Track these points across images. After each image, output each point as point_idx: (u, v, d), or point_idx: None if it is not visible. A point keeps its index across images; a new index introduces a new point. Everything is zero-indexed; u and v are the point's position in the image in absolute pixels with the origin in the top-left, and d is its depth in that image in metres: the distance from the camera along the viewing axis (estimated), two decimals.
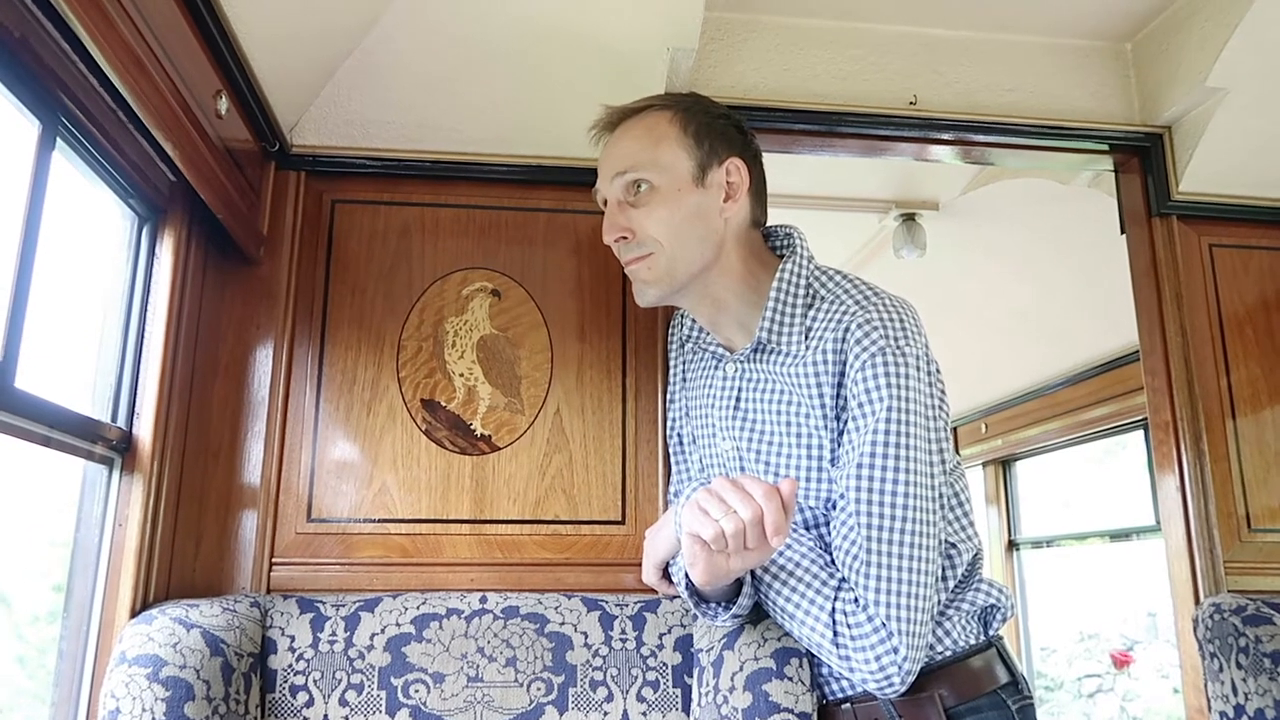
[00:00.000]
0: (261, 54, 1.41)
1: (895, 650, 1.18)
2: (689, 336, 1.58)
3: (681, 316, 1.63)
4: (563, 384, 1.69)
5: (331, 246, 1.71)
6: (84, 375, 1.34)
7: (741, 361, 1.42)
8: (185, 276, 1.48)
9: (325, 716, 1.36)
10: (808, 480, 1.33)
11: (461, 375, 1.67)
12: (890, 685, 1.20)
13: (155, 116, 1.17)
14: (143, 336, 1.40)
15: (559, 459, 1.66)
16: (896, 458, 1.23)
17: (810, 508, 1.34)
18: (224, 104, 1.35)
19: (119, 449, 1.33)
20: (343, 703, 1.37)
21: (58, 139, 1.13)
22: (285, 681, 1.37)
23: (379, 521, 1.59)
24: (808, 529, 1.35)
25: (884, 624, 1.19)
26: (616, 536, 1.65)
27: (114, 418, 1.34)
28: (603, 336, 1.73)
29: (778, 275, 1.37)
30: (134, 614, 1.30)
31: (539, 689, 1.42)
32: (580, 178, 1.71)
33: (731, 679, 1.32)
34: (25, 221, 1.06)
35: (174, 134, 1.22)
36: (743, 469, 1.43)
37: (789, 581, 1.28)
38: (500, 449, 1.65)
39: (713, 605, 1.35)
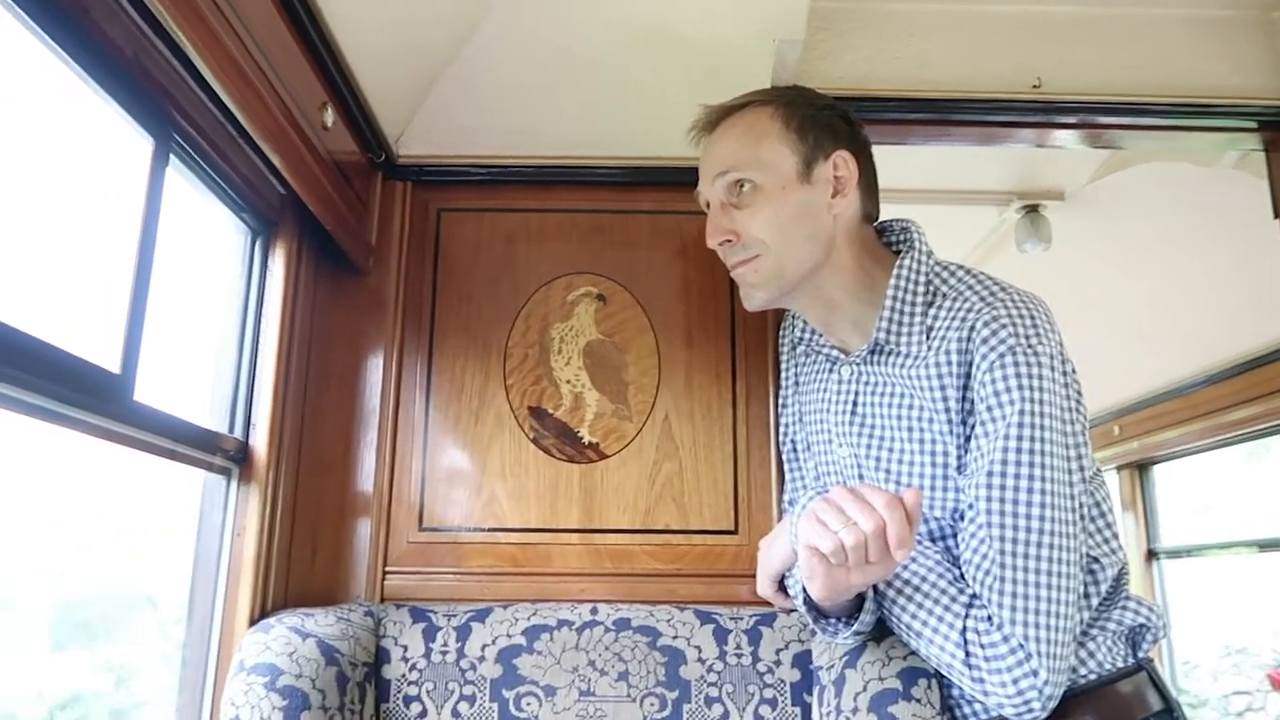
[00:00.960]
0: (365, 66, 1.42)
1: (1035, 674, 1.09)
2: (800, 339, 1.52)
3: (793, 318, 1.57)
4: (671, 390, 1.65)
5: (438, 255, 1.71)
6: (202, 387, 1.37)
7: (858, 364, 1.35)
8: (297, 288, 1.50)
9: None
10: (932, 489, 1.26)
11: (568, 382, 1.65)
12: (1030, 711, 1.11)
13: (263, 130, 1.18)
14: (257, 348, 1.42)
15: (669, 467, 1.62)
16: (1031, 465, 1.14)
17: (936, 518, 1.26)
18: (330, 116, 1.36)
19: (236, 459, 1.35)
20: (455, 714, 1.35)
21: (171, 155, 1.15)
22: (399, 692, 1.36)
23: (489, 530, 1.58)
24: (934, 541, 1.27)
25: (1021, 644, 1.10)
26: (729, 547, 1.59)
27: (231, 429, 1.36)
28: (711, 340, 1.68)
29: (895, 272, 1.30)
30: (253, 622, 1.32)
31: (652, 705, 1.38)
32: (684, 178, 1.66)
33: (854, 699, 1.25)
34: (141, 237, 1.08)
35: (282, 147, 1.24)
36: (861, 477, 1.36)
37: (914, 597, 1.21)
38: (608, 456, 1.62)
39: (833, 621, 1.28)
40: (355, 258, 1.59)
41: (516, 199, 1.74)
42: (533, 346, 1.66)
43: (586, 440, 1.63)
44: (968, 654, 1.14)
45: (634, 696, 1.38)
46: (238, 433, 1.36)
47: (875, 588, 1.23)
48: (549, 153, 1.73)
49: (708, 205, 1.37)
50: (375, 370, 1.62)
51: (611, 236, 1.73)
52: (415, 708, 1.36)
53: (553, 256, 1.71)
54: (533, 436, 1.62)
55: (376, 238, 1.66)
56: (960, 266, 1.32)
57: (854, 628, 1.24)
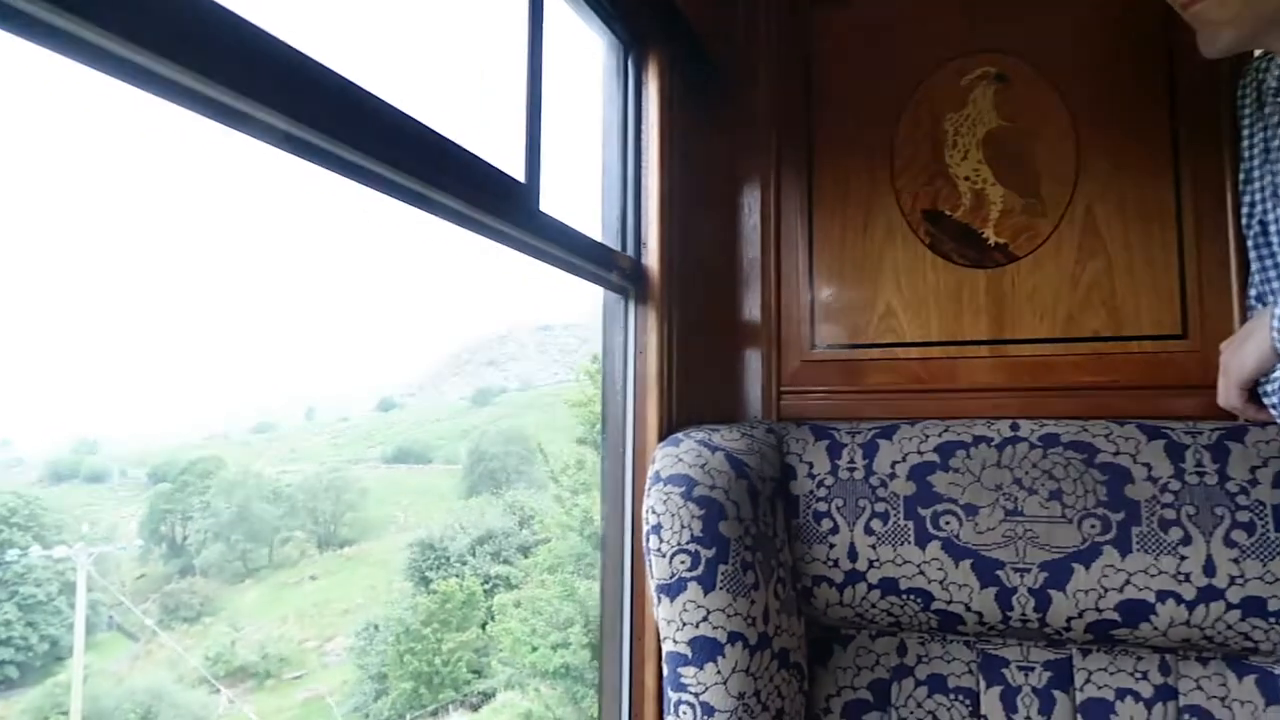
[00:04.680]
0: None
1: None
2: (1275, 90, 1.20)
3: (1258, 70, 1.25)
4: (1093, 176, 1.41)
5: (811, 55, 1.57)
6: (592, 204, 1.37)
7: None
8: (671, 105, 1.44)
9: (851, 544, 1.30)
10: None
11: (967, 178, 1.46)
12: None
13: None
14: (640, 168, 1.39)
15: (1094, 266, 1.40)
16: None
17: None
18: None
19: (632, 278, 1.35)
20: (868, 531, 1.29)
21: None
22: (808, 508, 1.33)
23: (885, 346, 1.48)
24: None
25: None
26: (1176, 354, 1.35)
27: (623, 247, 1.35)
28: (1142, 112, 1.40)
29: None
30: (661, 437, 1.33)
31: (1093, 526, 1.22)
32: None
33: None
34: (529, 44, 1.06)
35: None
36: None
37: None
38: (1019, 258, 1.43)
39: None
40: (725, 68, 1.50)
41: None
42: (923, 143, 1.49)
43: (992, 242, 1.44)
44: None
45: (1070, 517, 1.23)
46: (630, 251, 1.36)
47: None
48: None
49: None
50: (753, 186, 1.55)
51: (1008, 3, 1.47)
52: (825, 524, 1.31)
53: (939, 38, 1.50)
54: (929, 242, 1.47)
55: (746, 43, 1.56)
56: None
57: None
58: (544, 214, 1.07)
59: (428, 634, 17.75)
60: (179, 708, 19.92)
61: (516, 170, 1.02)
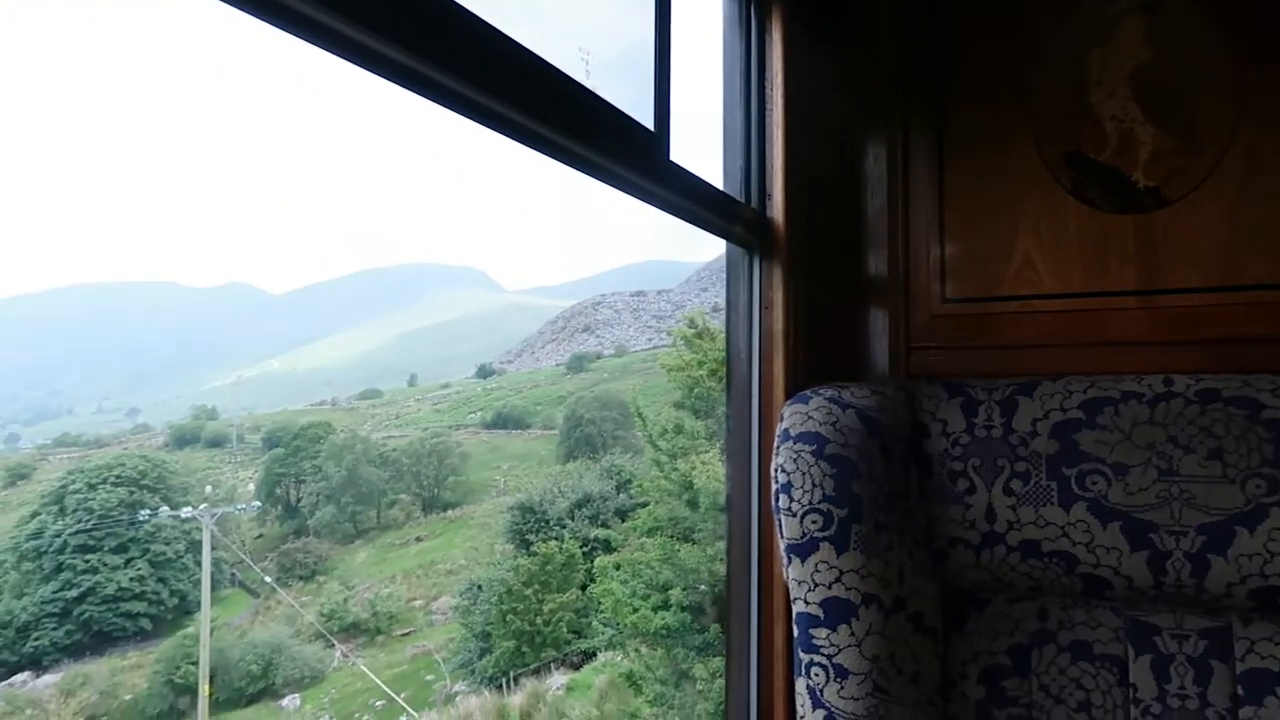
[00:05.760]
0: None
1: None
2: None
3: None
4: (1257, 111, 1.30)
5: None
6: (713, 157, 1.33)
7: None
8: (795, 53, 1.39)
9: (989, 506, 1.24)
10: None
11: (1113, 118, 1.36)
12: None
13: None
14: (764, 118, 1.34)
15: (1257, 209, 1.29)
16: None
17: None
18: None
19: (756, 231, 1.31)
20: (1007, 491, 1.24)
21: None
22: (943, 467, 1.27)
23: (1023, 299, 1.40)
24: None
25: None
26: None
27: (747, 200, 1.31)
28: None
29: None
30: (788, 394, 1.30)
31: (1258, 487, 1.14)
32: None
33: None
34: None
35: None
36: None
37: None
38: (1172, 202, 1.33)
39: None
40: (849, 10, 1.43)
41: None
42: (1063, 81, 1.39)
43: (1141, 185, 1.35)
44: None
45: (1231, 477, 1.15)
46: (754, 204, 1.32)
47: None
48: None
49: None
50: (879, 132, 1.48)
51: None
52: (961, 484, 1.26)
53: None
54: (1070, 187, 1.38)
55: None
56: None
57: None
58: (673, 164, 1.04)
59: (529, 594, 18.13)
60: (296, 661, 20.93)
61: (645, 119, 0.99)
